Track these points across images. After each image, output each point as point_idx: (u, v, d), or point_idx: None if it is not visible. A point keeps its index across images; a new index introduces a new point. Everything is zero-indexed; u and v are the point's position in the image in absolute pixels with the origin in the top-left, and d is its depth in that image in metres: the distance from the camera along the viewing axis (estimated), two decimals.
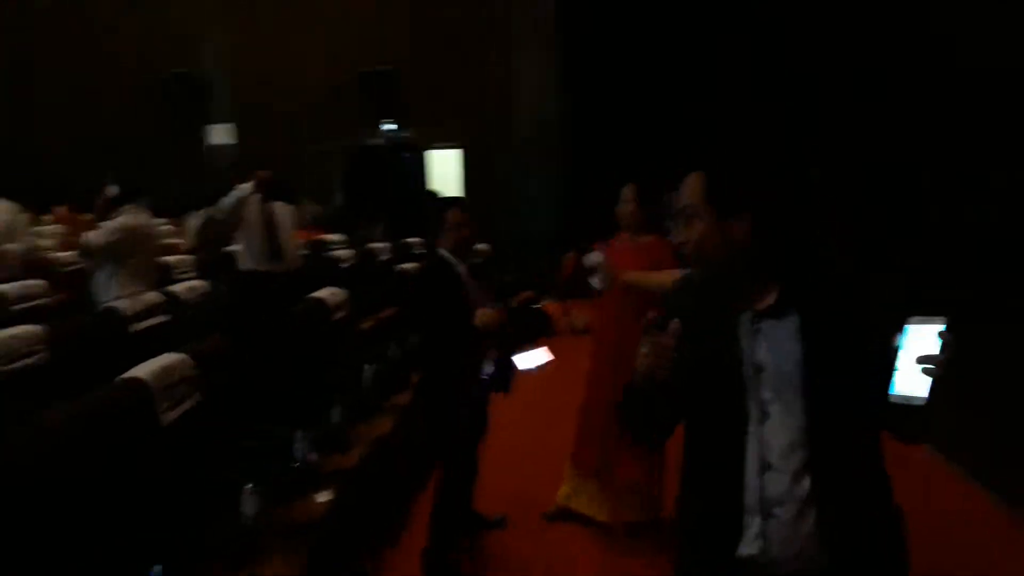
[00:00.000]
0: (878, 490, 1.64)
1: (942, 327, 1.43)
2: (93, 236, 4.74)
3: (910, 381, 1.44)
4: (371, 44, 11.98)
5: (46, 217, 9.27)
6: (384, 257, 7.79)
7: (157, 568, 2.10)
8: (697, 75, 9.90)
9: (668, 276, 2.89)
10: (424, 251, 8.00)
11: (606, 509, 3.85)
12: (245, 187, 5.54)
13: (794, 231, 1.71)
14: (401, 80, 11.84)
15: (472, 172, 12.00)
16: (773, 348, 1.59)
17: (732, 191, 1.62)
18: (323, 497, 3.14)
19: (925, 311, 1.47)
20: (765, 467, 1.58)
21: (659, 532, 3.76)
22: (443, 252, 3.40)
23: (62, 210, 9.66)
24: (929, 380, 1.42)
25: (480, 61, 11.63)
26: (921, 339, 1.44)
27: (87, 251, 4.74)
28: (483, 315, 3.26)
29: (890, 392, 1.46)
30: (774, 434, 1.57)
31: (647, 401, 1.68)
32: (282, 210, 5.76)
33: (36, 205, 7.97)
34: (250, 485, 2.63)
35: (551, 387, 5.26)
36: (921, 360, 1.42)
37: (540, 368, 3.65)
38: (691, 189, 1.63)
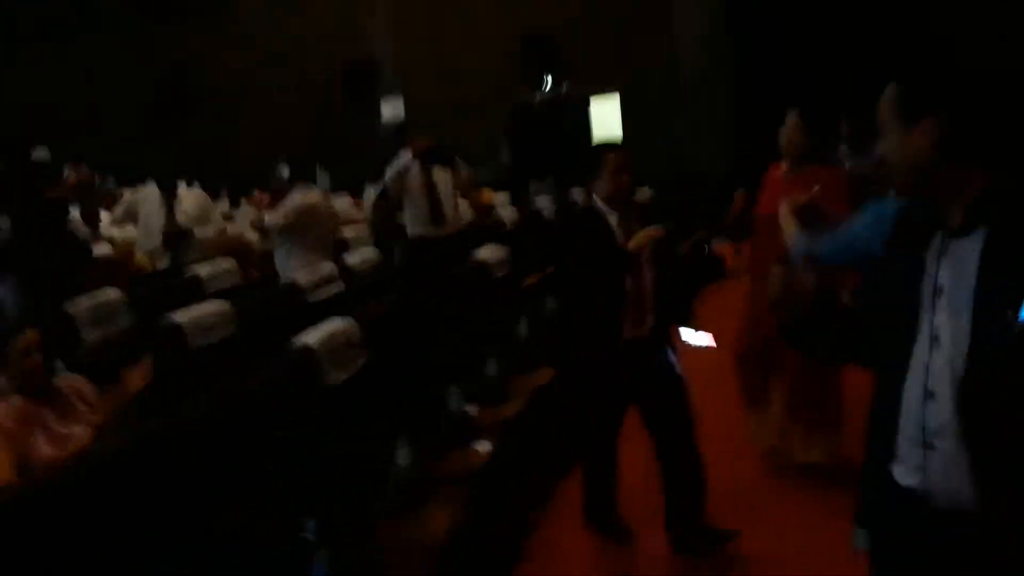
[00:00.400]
0: None
1: None
2: (269, 217, 5.13)
3: None
4: (530, 6, 12.07)
5: (249, 200, 10.05)
6: (548, 214, 7.89)
7: (311, 523, 2.28)
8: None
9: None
10: (576, 201, 8.02)
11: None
12: (405, 157, 5.78)
13: (984, 143, 1.61)
14: (562, 37, 11.83)
15: (633, 117, 11.82)
16: (956, 269, 1.49)
17: (917, 96, 1.54)
18: (481, 448, 3.30)
19: None
20: (928, 395, 1.50)
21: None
22: (596, 201, 3.24)
23: (261, 195, 10.45)
24: None
25: (639, 14, 11.41)
26: None
27: (265, 231, 5.15)
28: (637, 238, 3.06)
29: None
30: (940, 361, 1.49)
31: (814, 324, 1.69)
32: (441, 175, 5.96)
33: (238, 193, 8.61)
34: (403, 438, 2.81)
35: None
36: None
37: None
38: (883, 102, 1.57)
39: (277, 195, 5.29)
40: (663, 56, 11.26)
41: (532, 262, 5.76)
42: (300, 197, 5.08)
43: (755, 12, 10.14)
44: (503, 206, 7.96)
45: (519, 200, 8.59)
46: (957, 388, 1.46)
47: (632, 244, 3.04)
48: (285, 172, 5.22)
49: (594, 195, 3.24)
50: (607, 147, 3.50)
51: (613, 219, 3.19)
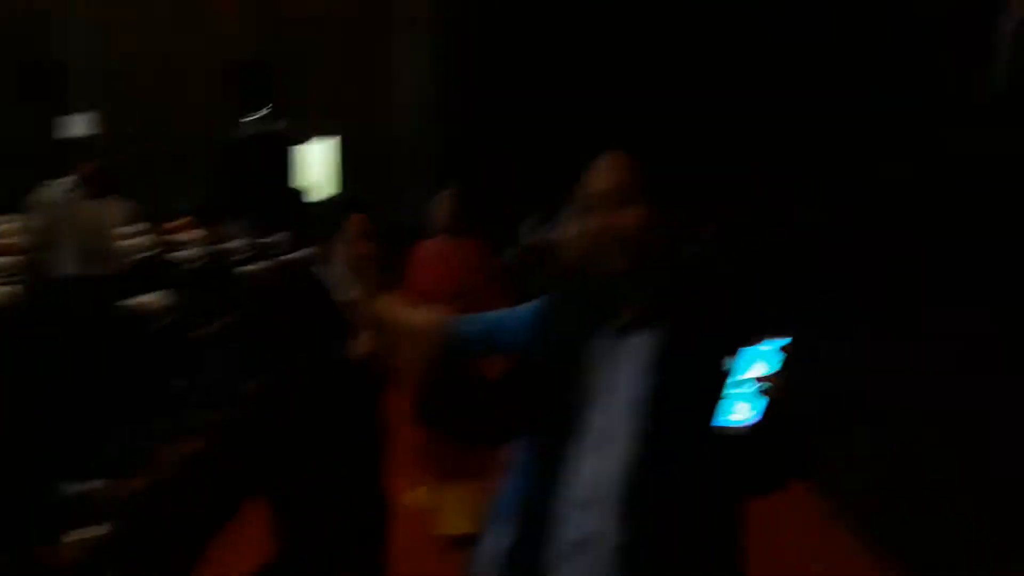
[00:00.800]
0: (710, 548, 1.43)
1: (783, 343, 1.29)
2: None
3: (741, 405, 1.29)
4: (245, 34, 11.50)
5: None
6: (239, 257, 7.41)
7: None
8: (582, 62, 9.85)
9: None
10: (293, 260, 7.65)
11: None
12: (64, 181, 5.12)
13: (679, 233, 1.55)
14: (276, 71, 11.41)
15: (348, 163, 11.66)
16: (627, 370, 1.41)
17: (652, 175, 1.46)
18: (97, 532, 2.86)
19: (766, 330, 1.32)
20: (584, 502, 1.39)
21: None
22: (321, 270, 2.68)
23: None
24: (763, 401, 1.28)
25: (357, 49, 11.29)
26: (757, 359, 1.30)
27: None
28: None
29: (718, 422, 1.30)
30: (603, 467, 1.39)
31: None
32: (109, 207, 5.35)
33: None
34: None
35: None
36: (760, 380, 1.28)
37: None
38: (608, 173, 1.44)
39: None
40: (383, 104, 11.22)
41: (209, 311, 5.31)
42: None
43: (476, 70, 10.42)
44: (189, 245, 7.35)
45: (210, 238, 8.01)
46: (622, 493, 1.37)
47: (360, 348, 2.55)
48: None
49: (325, 261, 2.69)
50: (348, 202, 2.96)
51: (348, 293, 2.67)
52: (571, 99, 9.62)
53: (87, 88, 11.63)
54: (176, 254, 6.66)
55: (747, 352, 1.31)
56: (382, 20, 10.98)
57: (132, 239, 6.01)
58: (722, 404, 1.30)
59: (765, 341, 1.30)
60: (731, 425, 1.29)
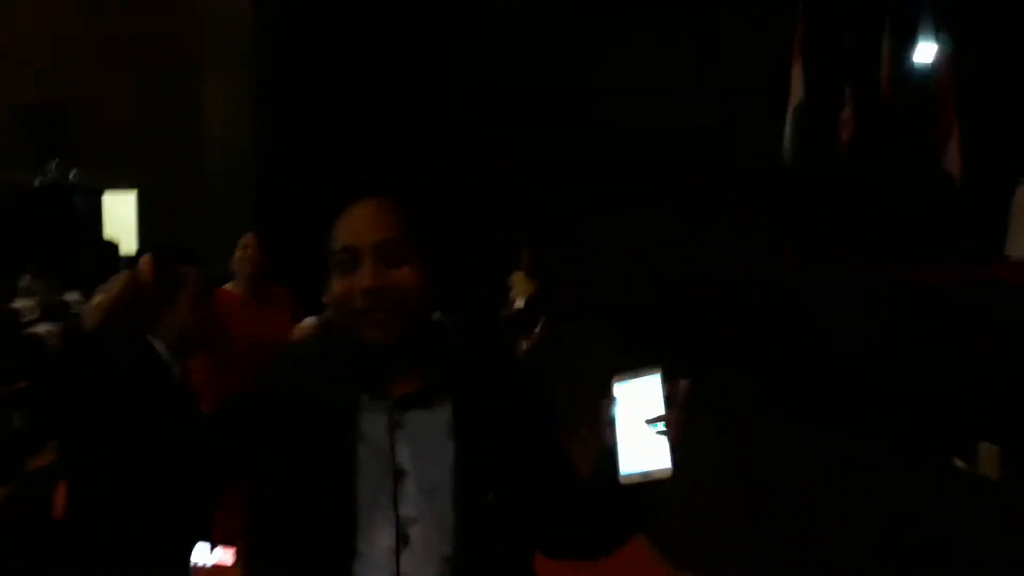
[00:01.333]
0: None
1: (657, 376, 1.18)
2: None
3: (642, 452, 1.16)
4: (36, 72, 10.61)
5: None
6: (27, 317, 6.74)
7: None
8: (403, 98, 9.78)
9: None
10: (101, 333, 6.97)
11: None
12: None
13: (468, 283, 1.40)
14: (65, 113, 10.57)
15: (154, 215, 10.95)
16: (419, 447, 1.24)
17: (437, 223, 1.30)
18: None
19: (627, 365, 1.21)
20: None
21: None
22: (157, 342, 2.23)
23: None
24: (666, 443, 1.15)
25: (162, 94, 10.68)
26: (638, 398, 1.18)
27: None
28: None
29: (621, 473, 1.18)
30: (414, 567, 1.20)
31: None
32: None
33: None
34: None
35: None
36: (651, 421, 1.16)
37: None
38: (373, 221, 1.26)
39: None
40: (191, 149, 10.60)
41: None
42: None
43: (288, 115, 10.13)
44: None
45: None
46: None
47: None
48: None
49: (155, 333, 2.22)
50: (174, 252, 2.43)
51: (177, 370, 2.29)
52: (390, 137, 9.54)
53: None
54: None
55: (618, 392, 1.22)
56: (190, 58, 10.44)
57: None
58: (619, 453, 1.21)
59: (631, 377, 1.23)
60: (648, 472, 1.18)
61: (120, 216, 10.92)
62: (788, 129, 7.30)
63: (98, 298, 1.54)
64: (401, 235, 1.25)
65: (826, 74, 7.32)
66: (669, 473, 1.15)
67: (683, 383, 1.17)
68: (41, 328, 5.78)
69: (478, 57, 9.35)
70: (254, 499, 1.33)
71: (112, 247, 10.56)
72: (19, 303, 7.01)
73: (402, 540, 1.20)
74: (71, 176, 10.64)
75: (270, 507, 1.29)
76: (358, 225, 1.27)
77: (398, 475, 1.23)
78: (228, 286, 3.71)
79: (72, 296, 7.76)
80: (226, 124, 10.22)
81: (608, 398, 1.22)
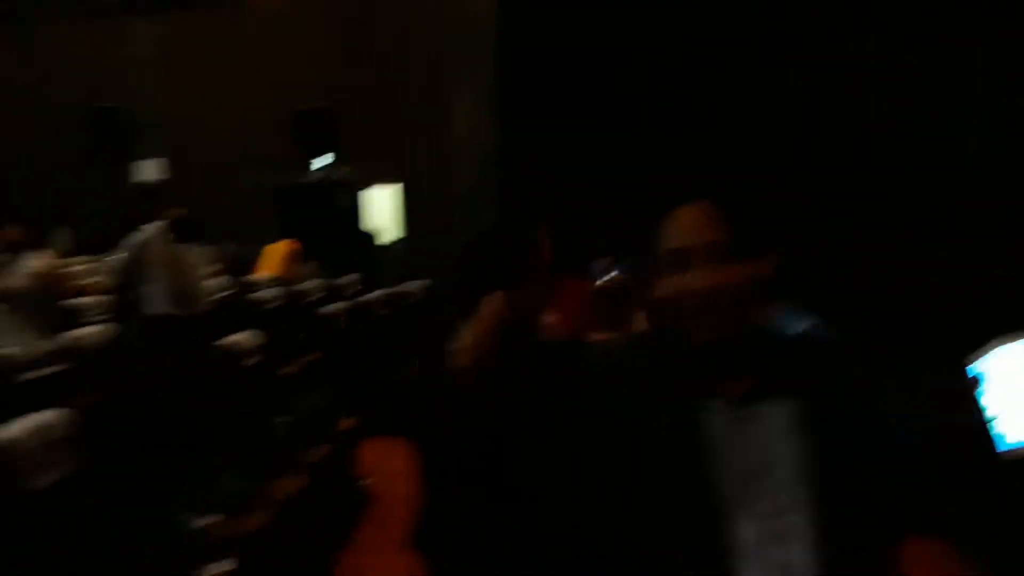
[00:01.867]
0: None
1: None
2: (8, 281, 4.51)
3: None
4: (304, 81, 11.72)
5: None
6: (313, 298, 7.48)
7: None
8: (645, 102, 9.88)
9: None
10: (367, 302, 7.60)
11: None
12: (152, 226, 5.26)
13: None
14: (335, 117, 11.60)
15: (409, 209, 11.77)
16: (761, 445, 1.24)
17: (760, 225, 1.30)
18: (219, 568, 2.83)
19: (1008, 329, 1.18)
20: None
21: None
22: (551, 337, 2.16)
23: None
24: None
25: (415, 95, 11.44)
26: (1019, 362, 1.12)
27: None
28: None
29: (1005, 446, 1.14)
30: (776, 565, 1.19)
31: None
32: (193, 251, 5.50)
33: None
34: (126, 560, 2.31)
35: None
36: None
37: None
38: (701, 223, 1.29)
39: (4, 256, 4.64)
40: (441, 151, 11.28)
41: (291, 349, 5.34)
42: (37, 261, 4.49)
43: (529, 120, 10.51)
44: (264, 287, 7.44)
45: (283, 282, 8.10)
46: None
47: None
48: (15, 233, 4.61)
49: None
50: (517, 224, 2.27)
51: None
52: (637, 139, 9.64)
53: (153, 137, 11.93)
54: (254, 295, 6.76)
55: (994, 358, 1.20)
56: (440, 64, 11.12)
57: (214, 281, 6.15)
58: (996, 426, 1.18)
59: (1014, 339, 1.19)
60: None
61: (380, 208, 11.80)
62: None
63: (466, 340, 1.64)
64: (729, 237, 1.27)
65: None
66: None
67: None
68: (329, 308, 6.42)
69: (715, 54, 9.26)
70: (593, 498, 1.33)
71: (371, 237, 11.48)
72: (307, 285, 7.79)
73: (770, 534, 1.20)
74: (339, 172, 11.67)
75: (616, 509, 1.30)
76: (688, 227, 1.29)
77: (746, 474, 1.23)
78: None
79: (349, 278, 8.56)
80: (471, 123, 10.78)
81: (971, 378, 1.19)
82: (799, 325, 1.46)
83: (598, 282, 7.92)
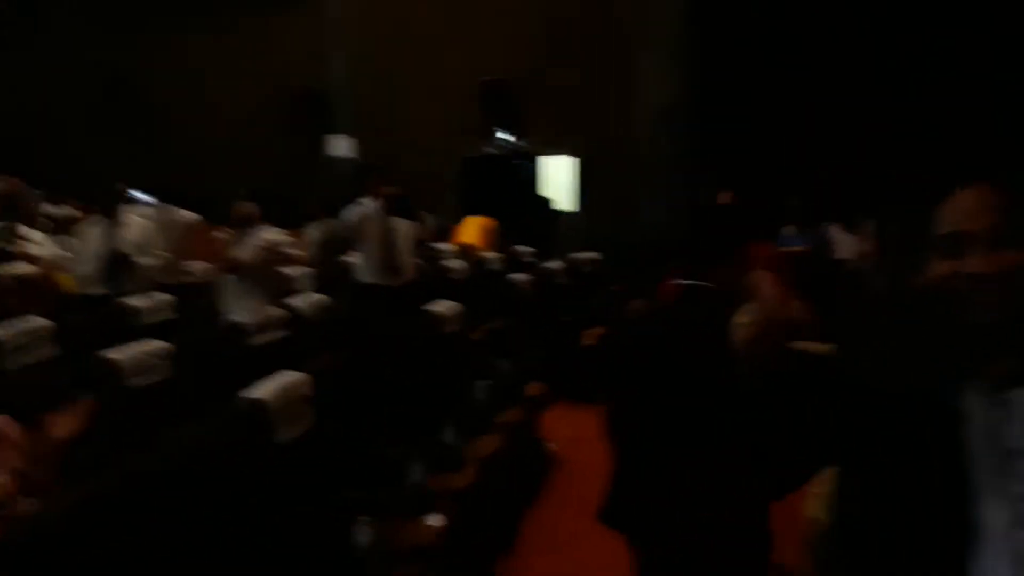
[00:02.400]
0: None
1: None
2: (241, 252, 5.00)
3: None
4: (489, 53, 12.04)
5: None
6: (496, 267, 7.80)
7: None
8: (832, 77, 9.53)
9: None
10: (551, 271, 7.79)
11: None
12: (369, 202, 5.71)
13: None
14: (518, 88, 11.87)
15: (588, 180, 11.91)
16: (1020, 431, 1.23)
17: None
18: (435, 521, 3.13)
19: None
20: None
21: None
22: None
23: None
24: None
25: (598, 67, 11.49)
26: None
27: (233, 267, 5.00)
28: None
29: None
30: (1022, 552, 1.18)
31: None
32: (402, 226, 5.93)
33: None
34: (364, 517, 2.63)
35: None
36: None
37: None
38: (981, 207, 1.30)
39: (238, 229, 5.19)
40: (622, 123, 11.30)
41: (479, 316, 5.64)
42: (268, 234, 4.99)
43: (716, 87, 10.34)
44: (450, 256, 7.84)
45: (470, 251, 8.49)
46: None
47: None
48: (250, 207, 5.11)
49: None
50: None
51: None
52: (814, 110, 9.32)
53: (344, 113, 12.67)
54: (445, 264, 7.15)
55: None
56: (623, 36, 11.10)
57: (417, 253, 6.58)
58: None
59: None
60: None
61: (559, 179, 12.02)
62: None
63: (749, 316, 1.74)
64: (1005, 220, 1.27)
65: None
66: None
67: None
68: (515, 277, 6.69)
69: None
70: (845, 481, 1.41)
71: (550, 206, 11.72)
72: (486, 255, 8.13)
73: (1020, 518, 1.20)
74: (519, 143, 11.98)
75: (866, 490, 1.36)
76: (968, 211, 1.30)
77: (1011, 454, 1.23)
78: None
79: (525, 248, 8.84)
80: (656, 95, 10.71)
81: None
82: None
83: (784, 249, 7.78)
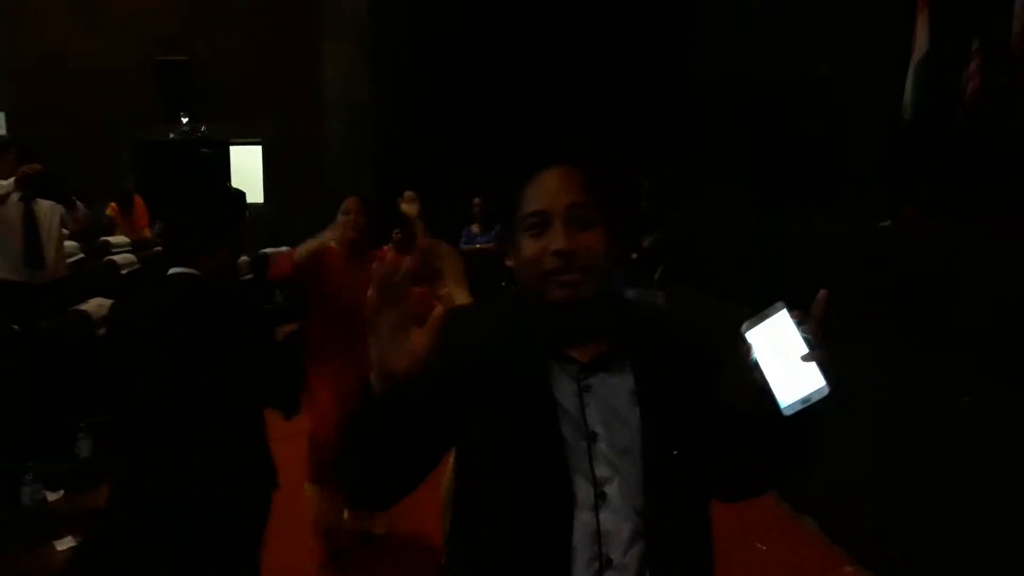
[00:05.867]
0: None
1: (783, 310, 1.20)
2: None
3: (795, 382, 1.19)
4: (167, 32, 11.17)
5: None
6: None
7: None
8: (512, 68, 9.96)
9: None
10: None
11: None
12: (5, 183, 4.88)
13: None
14: (200, 71, 11.14)
15: (275, 168, 11.50)
16: (607, 411, 1.28)
17: (622, 187, 1.34)
18: (63, 545, 2.80)
19: (751, 312, 1.23)
20: (605, 565, 1.22)
21: None
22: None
23: None
24: (815, 366, 1.18)
25: (286, 52, 11.10)
26: (773, 336, 1.21)
27: None
28: None
29: (783, 407, 1.20)
30: (613, 522, 1.24)
31: (386, 422, 1.15)
32: (49, 211, 5.16)
33: None
34: None
35: None
36: (798, 355, 1.18)
37: None
38: (562, 186, 1.30)
39: None
40: (311, 109, 10.99)
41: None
42: None
43: (404, 85, 10.41)
44: (120, 250, 7.16)
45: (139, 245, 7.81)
46: (639, 551, 1.24)
47: None
48: None
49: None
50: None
51: None
52: (506, 102, 9.72)
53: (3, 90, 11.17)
54: (112, 258, 6.51)
55: (752, 338, 1.24)
56: (312, 23, 10.79)
57: (70, 243, 5.84)
58: (774, 394, 1.22)
59: (759, 321, 1.24)
60: (807, 397, 1.20)
61: (246, 167, 11.48)
62: (909, 83, 7.03)
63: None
64: (589, 200, 1.29)
65: (953, 25, 7.00)
66: (827, 390, 1.17)
67: (821, 292, 1.19)
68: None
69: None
70: (462, 461, 1.36)
71: (239, 196, 11.13)
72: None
73: (600, 498, 1.25)
74: (202, 130, 11.23)
75: (471, 468, 1.33)
76: (550, 190, 1.31)
77: (591, 437, 1.27)
78: (333, 243, 3.74)
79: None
80: (345, 83, 10.54)
81: (745, 346, 1.22)
82: (630, 291, 1.49)
83: (466, 247, 8.03)
